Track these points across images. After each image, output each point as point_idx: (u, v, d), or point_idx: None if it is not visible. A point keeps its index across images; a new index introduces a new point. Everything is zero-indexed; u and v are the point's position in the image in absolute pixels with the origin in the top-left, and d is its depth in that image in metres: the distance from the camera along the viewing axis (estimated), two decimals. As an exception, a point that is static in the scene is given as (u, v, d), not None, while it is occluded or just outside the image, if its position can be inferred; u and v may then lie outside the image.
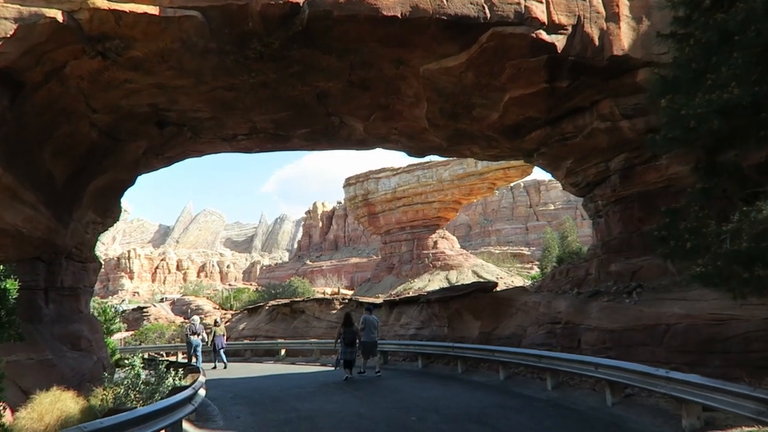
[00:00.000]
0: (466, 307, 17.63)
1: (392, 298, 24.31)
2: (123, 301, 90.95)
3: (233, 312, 30.36)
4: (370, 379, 15.56)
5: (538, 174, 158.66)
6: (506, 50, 11.06)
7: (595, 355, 11.28)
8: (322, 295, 30.05)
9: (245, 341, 25.14)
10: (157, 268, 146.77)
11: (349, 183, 64.37)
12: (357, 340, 15.73)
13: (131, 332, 30.41)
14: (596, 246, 16.24)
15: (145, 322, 34.19)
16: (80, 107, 11.88)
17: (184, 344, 22.12)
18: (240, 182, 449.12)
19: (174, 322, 34.11)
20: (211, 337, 21.02)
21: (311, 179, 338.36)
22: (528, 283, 52.29)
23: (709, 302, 10.16)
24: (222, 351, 21.01)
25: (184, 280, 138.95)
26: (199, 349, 20.04)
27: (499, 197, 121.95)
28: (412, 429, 8.61)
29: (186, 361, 20.31)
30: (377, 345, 16.75)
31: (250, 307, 28.92)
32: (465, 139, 15.59)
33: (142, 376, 9.54)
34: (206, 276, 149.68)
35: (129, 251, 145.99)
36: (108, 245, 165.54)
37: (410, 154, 18.15)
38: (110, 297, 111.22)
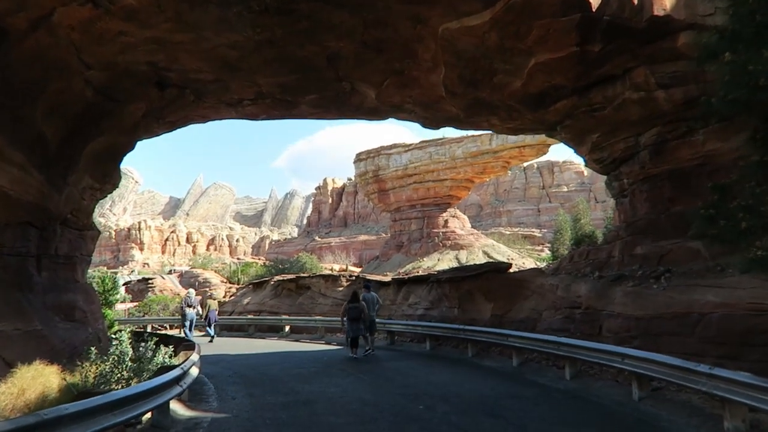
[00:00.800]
0: (478, 288, 16.84)
1: (401, 276, 23.58)
2: (132, 272, 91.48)
3: (238, 286, 29.85)
4: (376, 359, 14.92)
5: (552, 154, 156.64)
6: (535, 8, 10.04)
7: (618, 344, 10.47)
8: (328, 272, 29.38)
9: (249, 316, 24.59)
10: (167, 240, 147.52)
11: (359, 158, 63.37)
12: (363, 316, 15.26)
13: (135, 303, 30.04)
14: (619, 227, 15.29)
15: (149, 294, 33.80)
16: (72, 62, 11.03)
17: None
18: (251, 156, 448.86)
19: (179, 294, 33.66)
20: (205, 311, 21.31)
21: (323, 155, 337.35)
22: (539, 265, 51.48)
23: (748, 290, 9.28)
24: (213, 325, 21.36)
25: (194, 252, 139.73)
26: (193, 322, 20.09)
27: (512, 177, 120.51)
28: (420, 420, 7.86)
29: (182, 334, 20.39)
30: (375, 323, 16.28)
31: (255, 281, 28.34)
32: (484, 109, 14.60)
33: (130, 353, 8.81)
34: (215, 249, 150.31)
35: (139, 222, 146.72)
36: (119, 216, 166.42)
37: (425, 126, 17.20)
38: (120, 267, 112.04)
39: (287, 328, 22.64)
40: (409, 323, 17.54)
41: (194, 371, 8.86)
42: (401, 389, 10.20)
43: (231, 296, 28.07)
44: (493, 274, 16.73)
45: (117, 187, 16.43)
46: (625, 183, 14.71)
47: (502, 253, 52.49)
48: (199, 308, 20.74)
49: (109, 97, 12.74)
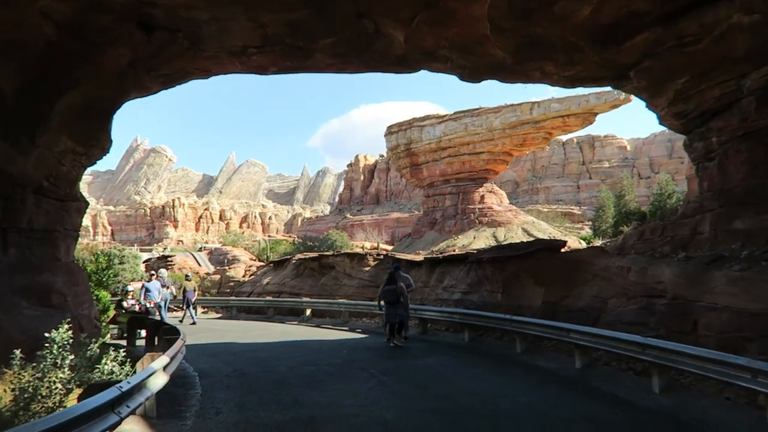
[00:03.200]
0: (526, 270, 14.24)
1: (434, 255, 21.07)
2: (165, 248, 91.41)
3: (258, 265, 27.87)
4: (406, 352, 12.63)
5: (594, 128, 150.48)
6: None
7: (724, 346, 7.85)
8: (354, 250, 27.07)
9: (268, 298, 22.52)
10: (200, 217, 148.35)
11: (390, 131, 60.44)
12: (401, 299, 13.76)
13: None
14: (703, 197, 12.41)
15: (169, 272, 32.19)
16: (20, -14, 8.79)
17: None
18: (285, 135, 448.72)
19: (198, 273, 31.98)
20: (181, 292, 20.92)
21: (357, 134, 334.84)
22: (582, 244, 48.16)
23: None
24: (192, 307, 20.80)
25: (227, 229, 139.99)
26: (167, 302, 19.41)
27: (550, 153, 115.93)
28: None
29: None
30: (408, 309, 14.36)
31: (276, 260, 26.25)
32: (538, 51, 11.84)
33: (69, 358, 6.60)
34: (248, 227, 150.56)
35: (173, 200, 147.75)
36: (153, 194, 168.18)
37: (463, 78, 14.48)
38: (155, 245, 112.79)
39: (308, 312, 20.50)
40: (445, 310, 15.07)
41: (157, 382, 6.60)
42: (435, 403, 7.79)
43: (251, 275, 26.08)
44: (545, 254, 14.10)
45: (107, 151, 14.31)
46: (713, 142, 11.84)
47: (542, 230, 49.34)
48: (173, 289, 20.15)
49: (78, 37, 10.47)
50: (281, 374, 10.29)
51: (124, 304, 16.17)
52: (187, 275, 21.77)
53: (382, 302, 14.14)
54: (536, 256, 14.12)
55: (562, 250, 15.16)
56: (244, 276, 26.30)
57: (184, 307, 20.74)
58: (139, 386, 5.94)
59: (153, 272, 18.57)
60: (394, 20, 11.53)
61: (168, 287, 19.31)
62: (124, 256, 29.20)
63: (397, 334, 13.81)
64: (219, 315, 24.11)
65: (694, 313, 9.05)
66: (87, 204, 14.32)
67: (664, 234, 12.76)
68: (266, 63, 14.09)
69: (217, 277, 27.46)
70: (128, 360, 7.51)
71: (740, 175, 11.00)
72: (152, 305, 16.50)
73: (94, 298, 15.14)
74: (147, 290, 16.80)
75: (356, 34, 12.29)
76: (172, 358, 7.42)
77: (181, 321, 19.65)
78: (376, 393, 8.53)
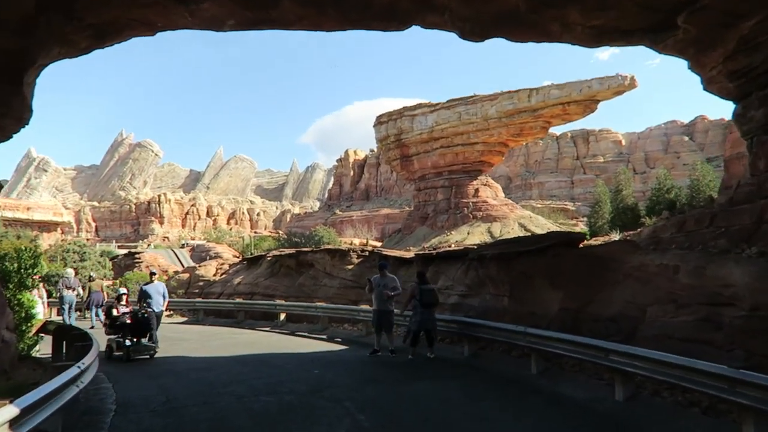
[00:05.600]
0: (538, 269, 11.71)
1: (427, 252, 18.49)
2: (149, 245, 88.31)
3: (230, 263, 25.18)
4: (391, 369, 10.16)
5: (588, 122, 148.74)
6: None
7: None
8: (335, 246, 24.49)
9: (238, 300, 19.82)
10: (187, 213, 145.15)
11: (380, 121, 57.62)
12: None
13: (110, 281, 25.67)
14: (762, 178, 9.93)
15: (134, 270, 29.40)
16: None
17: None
18: (276, 131, 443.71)
19: (167, 271, 29.21)
20: (86, 293, 19.61)
21: (351, 130, 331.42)
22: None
23: None
24: (98, 309, 18.91)
25: (214, 226, 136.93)
26: (73, 305, 18.40)
27: (543, 147, 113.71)
28: None
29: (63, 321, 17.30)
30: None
31: (250, 257, 23.57)
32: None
33: None
34: (236, 223, 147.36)
35: (159, 196, 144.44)
36: (139, 189, 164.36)
37: (464, 36, 11.90)
38: (140, 241, 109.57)
39: (282, 317, 17.88)
40: (440, 318, 12.48)
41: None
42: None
43: (222, 274, 23.40)
44: (561, 249, 11.57)
45: (25, 123, 11.60)
46: (779, 108, 9.35)
47: (540, 225, 46.93)
48: (80, 290, 19.14)
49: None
50: (225, 410, 7.69)
51: (114, 311, 12.77)
52: (90, 275, 20.01)
53: (411, 303, 11.72)
54: (552, 252, 11.59)
55: (581, 244, 12.66)
56: (215, 275, 23.61)
57: (88, 309, 19.36)
58: None
59: (154, 273, 14.69)
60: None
61: (74, 288, 18.25)
62: (84, 252, 26.42)
63: (429, 346, 11.53)
64: (184, 319, 21.44)
65: (790, 331, 6.55)
66: (1, 186, 11.60)
67: (714, 224, 10.28)
68: (221, 14, 11.48)
69: (186, 276, 24.71)
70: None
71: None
72: (146, 313, 12.76)
73: (16, 302, 12.42)
74: (145, 295, 13.32)
75: (331, -28, 9.75)
76: (26, 410, 4.80)
77: (92, 327, 17.74)
78: (347, 448, 5.96)
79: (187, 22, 11.77)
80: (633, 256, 10.63)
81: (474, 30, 11.49)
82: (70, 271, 19.66)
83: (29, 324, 12.59)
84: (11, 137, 11.78)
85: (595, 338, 8.69)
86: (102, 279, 20.03)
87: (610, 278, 10.59)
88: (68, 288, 18.20)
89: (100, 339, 13.50)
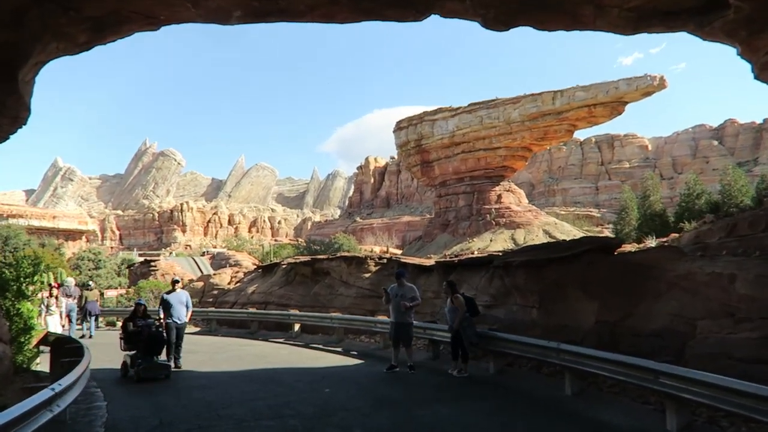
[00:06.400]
0: (571, 278, 10.68)
1: (448, 260, 17.51)
2: (171, 254, 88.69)
3: (245, 271, 24.51)
4: (410, 389, 9.21)
5: (613, 126, 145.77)
6: None
7: None
8: (352, 253, 23.61)
9: (251, 309, 19.05)
10: (209, 221, 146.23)
11: (400, 127, 56.73)
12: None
13: (123, 290, 25.18)
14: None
15: (149, 279, 28.91)
16: None
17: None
18: (298, 140, 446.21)
19: (182, 279, 28.65)
20: (83, 302, 19.24)
21: (371, 138, 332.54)
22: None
23: None
24: (94, 318, 19.28)
25: (236, 234, 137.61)
26: (73, 314, 18.41)
27: (567, 153, 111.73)
28: None
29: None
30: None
31: (264, 264, 22.84)
32: (596, -35, 8.34)
33: None
34: (258, 231, 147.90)
35: (182, 204, 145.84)
36: (162, 198, 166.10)
37: (486, 24, 10.96)
38: (163, 249, 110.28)
39: (296, 327, 17.05)
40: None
41: None
42: None
43: (237, 283, 22.72)
44: (597, 256, 10.53)
45: (22, 123, 11.00)
46: None
47: (566, 232, 45.49)
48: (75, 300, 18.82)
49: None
50: (222, 438, 6.84)
51: (130, 325, 11.15)
52: (88, 284, 19.68)
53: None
54: (586, 259, 10.56)
55: (617, 251, 11.60)
56: (229, 283, 22.93)
57: (87, 319, 19.01)
58: None
59: (177, 280, 13.20)
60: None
61: (74, 297, 18.09)
62: (100, 260, 26.00)
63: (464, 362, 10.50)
64: (197, 329, 20.76)
65: None
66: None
67: (773, 227, 9.17)
68: (227, 4, 10.71)
69: (200, 284, 24.09)
70: None
71: None
72: (161, 326, 11.58)
73: (15, 312, 11.79)
74: (167, 305, 12.21)
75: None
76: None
77: (84, 336, 17.73)
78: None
79: (191, 14, 11.05)
80: (677, 264, 9.57)
81: (498, 17, 10.56)
82: (70, 280, 19.47)
83: (29, 335, 11.95)
84: (8, 138, 11.18)
85: (637, 356, 7.65)
86: (98, 288, 19.68)
87: (652, 288, 9.55)
88: (68, 296, 18.17)
89: (100, 351, 12.87)
